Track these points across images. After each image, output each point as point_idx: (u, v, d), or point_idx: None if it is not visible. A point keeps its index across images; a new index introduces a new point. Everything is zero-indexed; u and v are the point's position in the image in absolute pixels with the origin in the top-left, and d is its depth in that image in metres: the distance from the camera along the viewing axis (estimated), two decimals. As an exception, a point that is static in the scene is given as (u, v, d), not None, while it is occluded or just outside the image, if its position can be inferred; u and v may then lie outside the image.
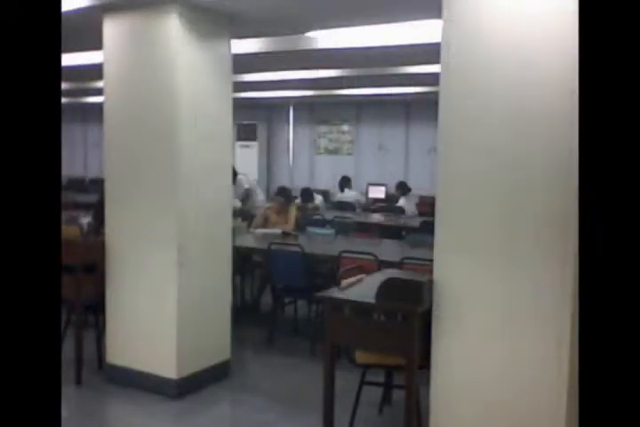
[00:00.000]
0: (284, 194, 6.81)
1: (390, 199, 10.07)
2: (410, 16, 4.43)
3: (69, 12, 3.94)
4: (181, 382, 4.13)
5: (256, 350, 5.23)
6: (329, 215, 7.94)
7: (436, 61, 2.93)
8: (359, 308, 3.23)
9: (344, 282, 3.33)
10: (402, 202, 9.16)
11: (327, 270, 5.33)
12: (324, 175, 12.57)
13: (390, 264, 4.54)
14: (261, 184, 11.94)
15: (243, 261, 5.91)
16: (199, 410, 3.99)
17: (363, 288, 3.24)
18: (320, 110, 12.75)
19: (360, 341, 3.16)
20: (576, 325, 2.48)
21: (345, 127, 12.60)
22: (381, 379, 3.77)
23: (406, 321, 3.04)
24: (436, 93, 3.07)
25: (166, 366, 4.12)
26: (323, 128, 12.84)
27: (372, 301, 3.01)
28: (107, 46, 4.26)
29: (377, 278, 3.26)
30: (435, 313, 2.97)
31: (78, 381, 4.30)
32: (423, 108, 11.12)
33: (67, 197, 8.40)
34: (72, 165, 14.27)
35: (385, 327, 3.14)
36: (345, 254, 4.85)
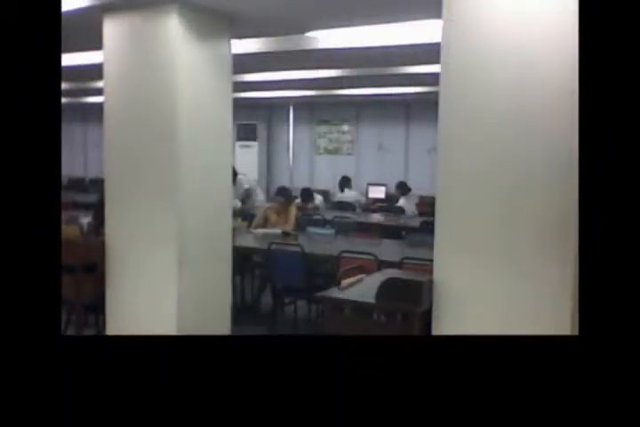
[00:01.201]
0: (284, 194, 6.80)
1: (390, 199, 10.05)
2: (410, 16, 4.43)
3: (69, 12, 3.94)
4: (181, 382, 4.13)
5: (256, 350, 5.22)
6: (329, 215, 7.93)
7: (436, 61, 2.93)
8: (359, 308, 3.22)
9: (344, 282, 3.33)
10: (402, 202, 9.15)
11: (327, 270, 5.32)
12: (324, 175, 12.55)
13: (390, 264, 4.53)
14: (261, 184, 11.93)
15: (243, 261, 5.90)
16: (199, 410, 3.98)
17: (363, 288, 3.24)
18: (320, 110, 12.74)
19: (360, 341, 3.16)
20: (576, 325, 2.48)
21: (345, 127, 12.59)
22: (381, 379, 3.77)
23: (406, 321, 3.03)
24: (436, 93, 3.07)
25: (166, 366, 4.11)
26: (323, 128, 12.84)
27: (372, 301, 3.01)
28: (107, 46, 4.26)
29: (377, 278, 3.26)
30: (435, 313, 2.97)
31: (78, 381, 4.30)
32: (423, 108, 11.11)
33: (67, 197, 8.40)
34: (72, 165, 14.26)
35: (385, 327, 3.14)
36: (345, 254, 4.84)
